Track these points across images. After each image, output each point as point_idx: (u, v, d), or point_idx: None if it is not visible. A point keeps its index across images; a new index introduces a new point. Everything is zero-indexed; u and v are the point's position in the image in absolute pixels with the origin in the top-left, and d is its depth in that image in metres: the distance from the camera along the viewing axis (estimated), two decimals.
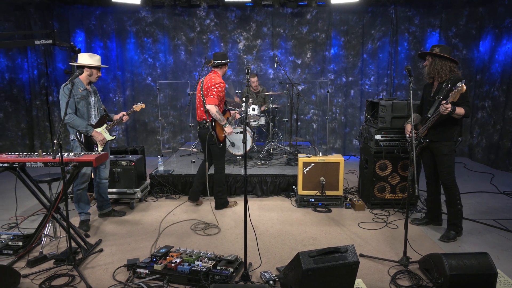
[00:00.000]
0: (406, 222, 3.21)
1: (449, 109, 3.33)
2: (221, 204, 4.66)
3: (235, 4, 7.41)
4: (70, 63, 4.03)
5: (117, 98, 7.85)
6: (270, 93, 6.65)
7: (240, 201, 4.96)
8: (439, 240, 3.72)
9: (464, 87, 3.16)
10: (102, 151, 4.02)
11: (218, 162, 4.54)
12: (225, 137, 4.52)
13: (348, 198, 4.87)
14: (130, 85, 7.81)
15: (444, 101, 3.35)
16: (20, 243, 3.46)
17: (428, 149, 3.83)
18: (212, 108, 4.19)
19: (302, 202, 4.76)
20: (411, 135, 3.32)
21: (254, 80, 6.66)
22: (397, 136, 4.49)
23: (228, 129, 4.39)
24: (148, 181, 5.32)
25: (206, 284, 2.81)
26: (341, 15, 7.49)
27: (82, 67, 3.90)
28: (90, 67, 3.91)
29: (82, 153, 3.51)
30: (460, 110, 3.42)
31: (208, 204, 4.86)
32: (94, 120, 4.03)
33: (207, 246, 3.62)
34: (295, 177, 5.11)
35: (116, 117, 4.27)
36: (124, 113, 4.31)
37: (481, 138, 7.28)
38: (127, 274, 3.06)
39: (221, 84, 4.24)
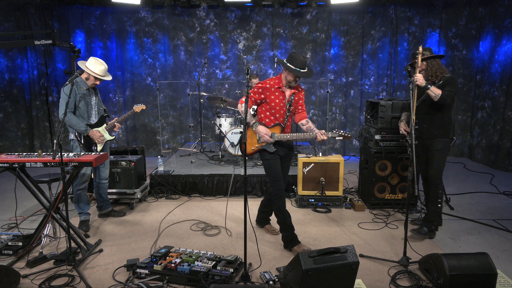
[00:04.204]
0: (406, 222, 3.21)
1: (420, 78, 3.30)
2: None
3: (235, 4, 7.41)
4: (77, 62, 3.99)
5: (117, 98, 7.85)
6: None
7: (240, 201, 4.96)
8: (415, 234, 3.70)
9: (420, 48, 3.24)
10: (101, 151, 4.02)
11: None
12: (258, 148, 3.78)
13: (348, 198, 4.86)
14: (130, 85, 7.81)
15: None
16: (20, 243, 3.45)
17: (423, 147, 3.79)
18: None
19: (302, 202, 4.75)
20: (407, 132, 3.28)
21: (255, 81, 6.63)
22: (397, 136, 4.48)
23: None
24: (148, 181, 5.32)
25: (206, 285, 2.80)
26: (341, 15, 7.49)
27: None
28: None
29: (82, 153, 3.51)
30: (436, 90, 3.44)
31: (208, 205, 4.86)
32: (94, 120, 4.03)
33: (207, 246, 3.62)
34: (295, 177, 5.10)
35: (109, 123, 4.17)
36: (115, 122, 4.17)
37: (481, 138, 7.27)
38: (127, 274, 3.06)
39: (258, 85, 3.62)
